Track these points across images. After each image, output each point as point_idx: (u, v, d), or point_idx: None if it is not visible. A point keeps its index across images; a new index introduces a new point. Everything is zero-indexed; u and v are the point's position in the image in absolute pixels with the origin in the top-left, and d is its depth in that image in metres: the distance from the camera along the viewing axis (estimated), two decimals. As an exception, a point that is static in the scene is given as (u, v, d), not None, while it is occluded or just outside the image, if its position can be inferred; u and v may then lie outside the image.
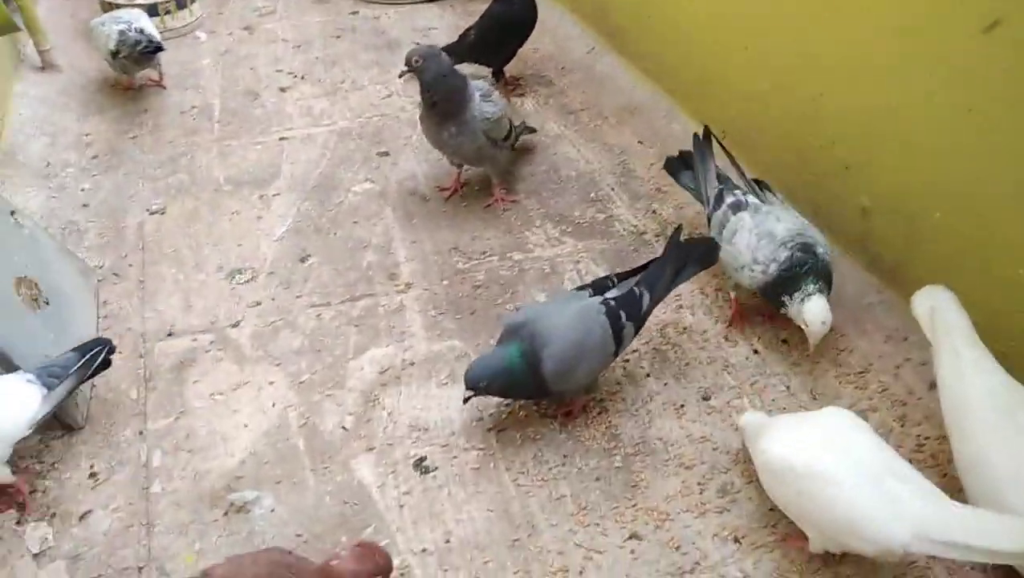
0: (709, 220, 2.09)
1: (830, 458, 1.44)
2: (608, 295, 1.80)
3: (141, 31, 2.85)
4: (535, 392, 1.76)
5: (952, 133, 1.77)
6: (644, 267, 1.89)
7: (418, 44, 3.43)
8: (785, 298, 1.84)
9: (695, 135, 2.22)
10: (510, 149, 2.56)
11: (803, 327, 1.83)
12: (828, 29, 2.05)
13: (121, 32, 2.82)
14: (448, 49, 2.87)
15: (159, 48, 2.90)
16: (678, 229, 1.89)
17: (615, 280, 1.86)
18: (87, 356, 1.73)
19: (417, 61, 2.29)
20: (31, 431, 1.64)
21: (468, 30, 3.05)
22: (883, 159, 1.97)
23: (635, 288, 1.81)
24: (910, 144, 1.88)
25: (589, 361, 1.75)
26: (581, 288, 1.87)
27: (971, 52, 1.66)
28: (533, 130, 2.75)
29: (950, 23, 1.70)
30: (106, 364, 1.80)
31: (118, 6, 3.39)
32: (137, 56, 2.88)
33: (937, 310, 1.66)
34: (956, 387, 1.56)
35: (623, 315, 1.76)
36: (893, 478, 1.41)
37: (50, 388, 1.64)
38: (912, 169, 1.90)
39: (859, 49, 1.96)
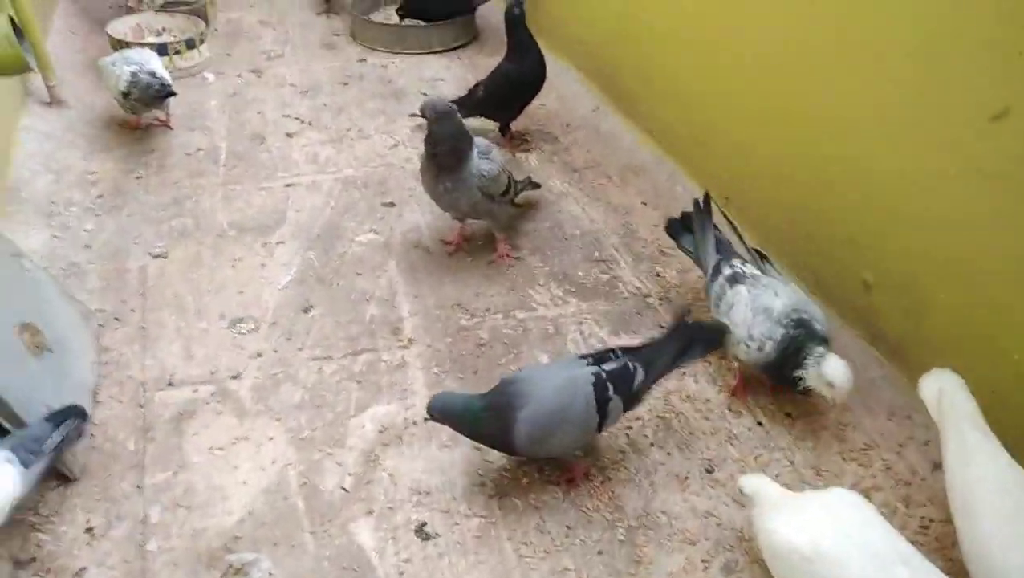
0: (707, 290, 2.11)
1: (838, 541, 1.44)
2: (605, 367, 1.76)
3: (152, 73, 2.86)
4: (502, 446, 1.76)
5: (959, 215, 1.80)
6: (644, 347, 1.86)
7: (426, 95, 3.51)
8: (799, 373, 1.84)
9: (695, 201, 2.24)
10: (509, 204, 2.57)
11: (827, 390, 1.82)
12: (837, 106, 2.08)
13: (132, 74, 2.84)
14: (457, 102, 2.91)
15: (171, 93, 2.92)
16: (686, 310, 1.87)
17: (619, 353, 1.81)
18: (62, 427, 1.65)
19: (430, 115, 2.31)
20: (8, 515, 1.53)
21: (477, 86, 3.09)
22: (888, 235, 2.00)
23: (629, 363, 1.76)
24: (916, 223, 1.91)
25: (567, 431, 1.72)
26: (583, 356, 1.84)
27: (981, 138, 1.70)
28: (537, 185, 2.77)
29: (959, 109, 1.74)
30: (80, 434, 1.74)
31: (128, 45, 3.42)
32: (148, 99, 2.89)
33: (944, 393, 1.67)
34: (961, 472, 1.57)
35: (611, 388, 1.72)
36: (902, 564, 1.41)
37: (27, 465, 1.55)
38: (917, 248, 1.92)
39: (869, 128, 2.00)
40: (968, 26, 1.70)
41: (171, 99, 3.06)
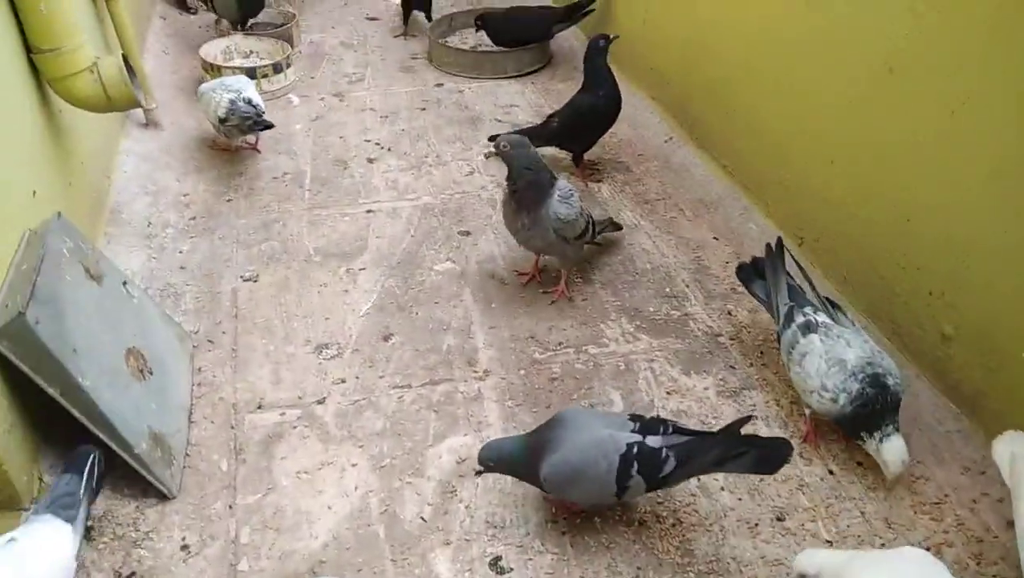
0: (778, 337, 2.13)
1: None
2: (647, 440, 1.73)
3: (249, 102, 3.00)
4: (536, 484, 1.81)
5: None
6: (705, 434, 1.81)
7: (499, 121, 3.59)
8: (864, 434, 1.88)
9: (767, 245, 2.25)
10: (582, 247, 2.57)
11: (882, 466, 1.87)
12: (921, 155, 2.08)
13: (231, 101, 2.98)
14: (531, 132, 2.98)
15: (268, 126, 3.04)
16: (745, 419, 1.78)
17: (670, 428, 1.78)
18: (87, 472, 1.72)
19: (504, 147, 2.38)
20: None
21: (551, 117, 3.15)
22: (969, 291, 1.99)
23: (664, 449, 1.73)
24: (999, 281, 1.90)
25: (585, 488, 1.76)
26: (634, 417, 1.82)
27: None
28: (619, 227, 2.80)
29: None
30: (103, 475, 1.79)
31: (219, 69, 3.59)
32: (244, 127, 3.03)
33: (1019, 458, 1.66)
34: None
35: (636, 466, 1.71)
36: None
37: (71, 521, 1.61)
38: (999, 305, 1.91)
39: (954, 180, 1.99)
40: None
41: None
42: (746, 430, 1.82)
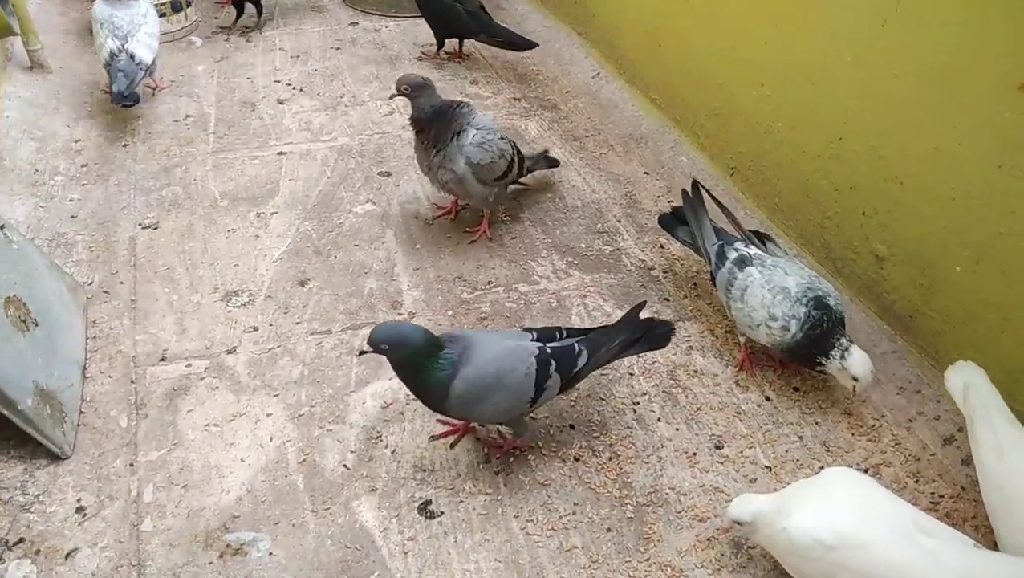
0: (713, 278, 2.05)
1: (856, 522, 1.40)
2: (549, 344, 1.70)
3: (132, 57, 2.72)
4: (432, 402, 1.66)
5: (977, 188, 1.75)
6: (591, 330, 1.79)
7: (420, 60, 3.42)
8: (821, 359, 1.81)
9: (683, 191, 2.17)
10: (505, 188, 2.44)
11: (850, 383, 1.81)
12: (851, 73, 2.02)
13: (112, 55, 2.71)
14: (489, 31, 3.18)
15: (129, 105, 2.72)
16: (641, 304, 1.81)
17: (564, 333, 1.76)
18: None
19: (406, 89, 2.26)
20: None
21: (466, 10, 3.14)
22: (902, 208, 1.95)
23: (576, 343, 1.71)
24: (932, 196, 1.86)
25: (501, 397, 1.64)
26: (528, 329, 1.77)
27: (1004, 108, 1.64)
28: (555, 162, 2.69)
29: (983, 77, 1.68)
30: None
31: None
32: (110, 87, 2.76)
33: (971, 387, 1.63)
34: (997, 467, 1.51)
35: (553, 364, 1.66)
36: (922, 534, 1.38)
37: None
38: (933, 221, 1.87)
39: (884, 96, 1.94)
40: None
41: (155, 68, 2.94)
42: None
